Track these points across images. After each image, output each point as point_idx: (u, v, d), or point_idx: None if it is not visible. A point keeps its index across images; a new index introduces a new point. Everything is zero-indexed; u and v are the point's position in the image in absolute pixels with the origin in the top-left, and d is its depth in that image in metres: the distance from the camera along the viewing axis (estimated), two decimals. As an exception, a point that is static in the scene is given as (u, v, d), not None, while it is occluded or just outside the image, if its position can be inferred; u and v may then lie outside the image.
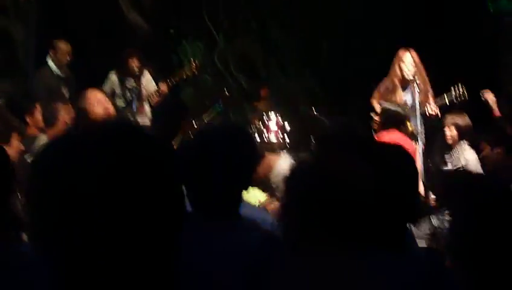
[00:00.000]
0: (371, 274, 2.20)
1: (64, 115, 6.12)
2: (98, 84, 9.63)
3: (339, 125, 4.79)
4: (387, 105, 7.68)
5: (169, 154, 1.34)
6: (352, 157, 2.32)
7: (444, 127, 7.81)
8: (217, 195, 2.66)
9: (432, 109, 7.94)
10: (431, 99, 8.11)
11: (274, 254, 2.48)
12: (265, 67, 12.48)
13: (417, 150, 7.75)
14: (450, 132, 7.56)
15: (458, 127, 7.49)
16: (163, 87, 9.51)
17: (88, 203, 1.20)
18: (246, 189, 2.81)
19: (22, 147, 5.44)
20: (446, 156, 7.48)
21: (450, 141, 7.65)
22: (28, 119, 6.25)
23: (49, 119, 6.14)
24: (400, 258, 2.41)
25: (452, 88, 8.07)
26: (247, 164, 2.81)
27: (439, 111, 8.04)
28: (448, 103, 8.06)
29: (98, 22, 11.73)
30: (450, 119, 7.63)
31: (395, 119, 7.24)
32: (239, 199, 2.77)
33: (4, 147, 4.59)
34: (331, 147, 3.26)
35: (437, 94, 8.20)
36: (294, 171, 2.32)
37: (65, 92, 9.14)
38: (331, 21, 12.24)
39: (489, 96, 7.59)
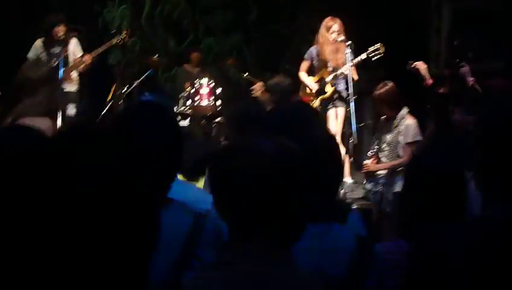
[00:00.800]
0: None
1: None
2: (21, 50, 9.58)
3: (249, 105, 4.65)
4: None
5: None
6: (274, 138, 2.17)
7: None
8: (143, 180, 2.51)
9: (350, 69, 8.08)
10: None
11: (202, 239, 2.54)
12: (193, 29, 12.34)
13: (350, 112, 7.95)
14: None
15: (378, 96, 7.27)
16: (87, 58, 9.37)
17: None
18: (172, 175, 2.68)
19: None
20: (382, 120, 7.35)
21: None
22: None
23: None
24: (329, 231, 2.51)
25: (371, 47, 8.26)
26: (172, 149, 2.68)
27: (356, 70, 8.29)
28: (367, 57, 8.21)
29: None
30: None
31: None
32: (166, 184, 2.62)
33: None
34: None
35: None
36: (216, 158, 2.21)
37: None
38: None
39: (421, 66, 7.52)
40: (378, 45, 8.24)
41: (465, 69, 6.97)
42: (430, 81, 7.23)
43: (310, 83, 8.66)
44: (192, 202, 2.77)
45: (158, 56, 11.38)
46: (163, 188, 2.60)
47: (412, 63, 7.34)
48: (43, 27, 9.54)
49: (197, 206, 2.74)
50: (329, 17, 8.45)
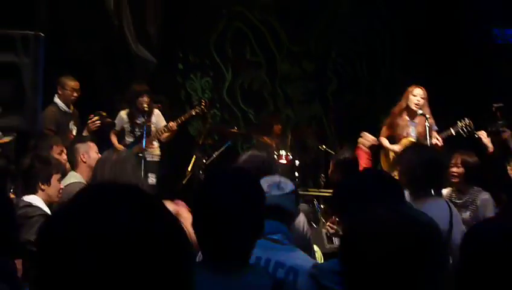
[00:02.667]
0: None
1: (83, 154, 6.35)
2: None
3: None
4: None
5: (176, 228, 1.36)
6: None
7: (451, 164, 7.29)
8: (228, 242, 2.64)
9: (438, 139, 7.99)
10: (434, 133, 8.17)
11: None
12: (273, 99, 12.53)
13: None
14: (457, 169, 7.13)
15: (466, 163, 7.13)
16: (173, 124, 9.56)
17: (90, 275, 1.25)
18: (259, 235, 2.76)
19: (62, 186, 5.45)
20: (453, 195, 7.14)
21: (455, 179, 7.07)
22: None
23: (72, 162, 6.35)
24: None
25: (458, 121, 8.13)
26: (257, 209, 2.75)
27: (444, 143, 8.09)
28: (454, 134, 8.11)
29: (105, 56, 11.74)
30: (458, 155, 7.26)
31: None
32: (250, 245, 2.72)
33: (44, 187, 4.88)
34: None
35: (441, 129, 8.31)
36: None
37: (73, 128, 9.23)
38: (338, 53, 12.48)
39: (482, 134, 7.45)
40: (467, 120, 8.11)
41: (507, 134, 6.85)
42: (491, 150, 7.11)
43: (394, 148, 8.51)
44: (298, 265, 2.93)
45: (238, 127, 11.61)
46: (245, 249, 2.69)
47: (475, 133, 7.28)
48: (128, 97, 9.81)
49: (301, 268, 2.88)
50: (413, 85, 8.38)
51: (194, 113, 10.04)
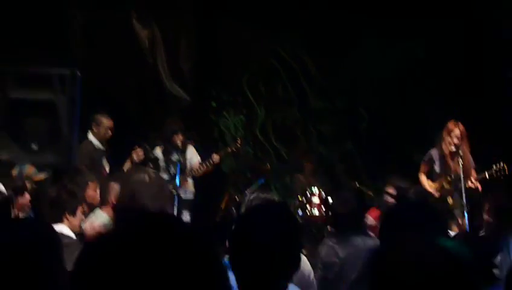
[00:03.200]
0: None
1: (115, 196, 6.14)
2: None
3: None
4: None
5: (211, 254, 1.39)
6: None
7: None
8: (263, 276, 2.66)
9: (473, 182, 7.98)
10: (473, 173, 8.19)
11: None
12: (305, 136, 12.52)
13: (464, 222, 7.81)
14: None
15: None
16: (217, 157, 9.75)
17: None
18: (295, 269, 2.79)
19: (84, 218, 5.54)
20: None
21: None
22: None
23: (103, 199, 6.27)
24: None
25: (493, 165, 8.10)
26: (293, 244, 2.79)
27: (480, 185, 8.08)
28: (488, 177, 8.07)
29: (139, 93, 11.94)
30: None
31: None
32: (286, 277, 2.76)
33: (69, 217, 5.00)
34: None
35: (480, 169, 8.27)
36: None
37: (106, 165, 9.28)
38: (370, 90, 12.40)
39: None
40: (501, 164, 8.09)
41: None
42: None
43: (432, 190, 8.49)
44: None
45: (271, 164, 11.57)
46: (282, 283, 2.72)
47: None
48: (162, 134, 9.91)
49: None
50: (451, 121, 8.38)
51: (229, 151, 10.19)
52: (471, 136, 8.54)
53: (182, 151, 9.67)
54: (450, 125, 8.32)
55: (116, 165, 9.33)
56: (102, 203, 6.28)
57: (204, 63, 12.27)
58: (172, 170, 9.60)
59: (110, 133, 9.33)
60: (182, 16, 12.05)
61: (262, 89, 12.61)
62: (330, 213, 9.95)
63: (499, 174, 8.07)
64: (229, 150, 10.20)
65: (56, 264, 2.68)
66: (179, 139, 9.60)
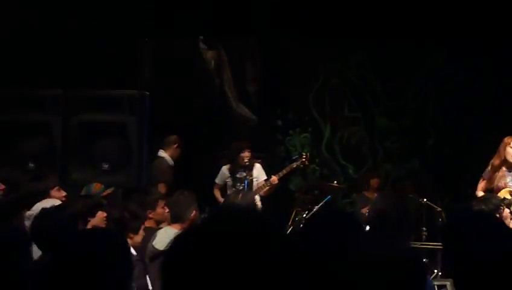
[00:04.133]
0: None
1: (194, 213, 6.33)
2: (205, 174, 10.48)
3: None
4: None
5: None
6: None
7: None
8: None
9: None
10: None
11: None
12: (372, 154, 12.54)
13: None
14: None
15: None
16: (274, 178, 9.78)
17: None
18: None
19: (143, 235, 5.73)
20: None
21: None
22: (149, 214, 6.53)
23: (178, 215, 6.33)
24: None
25: None
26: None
27: None
28: None
29: (206, 114, 12.10)
30: None
31: None
32: None
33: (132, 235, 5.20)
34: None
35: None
36: None
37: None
38: (436, 106, 12.43)
39: None
40: None
41: None
42: None
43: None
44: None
45: (337, 182, 11.55)
46: None
47: None
48: (230, 153, 10.17)
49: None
50: (508, 136, 8.24)
51: (294, 166, 10.28)
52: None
53: (249, 169, 9.88)
54: (508, 139, 8.22)
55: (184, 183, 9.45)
56: (175, 219, 6.36)
57: (269, 83, 12.39)
58: (239, 187, 9.79)
59: (179, 151, 10.05)
60: (247, 36, 12.20)
61: (327, 108, 12.68)
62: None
63: None
64: (295, 165, 10.29)
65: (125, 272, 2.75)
66: (245, 157, 9.81)
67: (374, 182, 11.30)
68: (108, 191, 6.83)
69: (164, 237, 5.95)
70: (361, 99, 12.68)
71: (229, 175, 10.03)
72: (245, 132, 11.92)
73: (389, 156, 12.65)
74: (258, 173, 10.08)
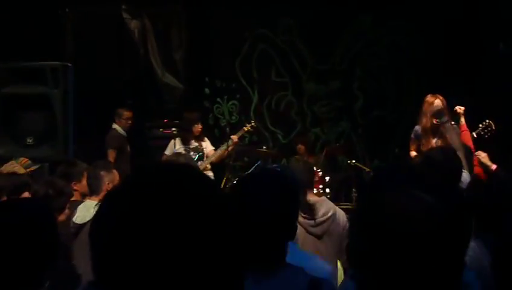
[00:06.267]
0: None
1: (108, 183, 6.14)
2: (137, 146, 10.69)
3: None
4: None
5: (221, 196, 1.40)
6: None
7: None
8: (260, 245, 2.62)
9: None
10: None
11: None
12: (300, 119, 12.64)
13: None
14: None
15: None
16: (234, 137, 10.43)
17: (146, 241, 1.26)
18: (292, 237, 2.76)
19: (69, 212, 5.56)
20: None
21: None
22: (74, 186, 6.33)
23: (94, 187, 6.19)
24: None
25: (480, 124, 8.15)
26: (290, 210, 2.76)
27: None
28: (475, 136, 8.08)
29: (133, 84, 12.07)
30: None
31: None
32: (283, 247, 2.72)
33: (56, 214, 4.83)
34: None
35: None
36: None
37: (128, 149, 10.53)
38: (363, 69, 12.59)
39: (481, 155, 7.59)
40: (487, 122, 8.12)
41: None
42: (493, 167, 7.25)
43: None
44: (310, 270, 2.78)
45: (267, 148, 11.70)
46: (276, 250, 2.69)
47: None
48: (182, 124, 10.64)
49: (314, 273, 2.77)
50: (430, 95, 8.21)
51: (246, 130, 10.74)
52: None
53: (201, 139, 10.40)
54: (428, 98, 8.18)
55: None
56: (93, 191, 6.21)
57: (196, 51, 12.39)
58: (193, 156, 10.05)
59: (130, 123, 10.62)
60: (172, 4, 12.15)
61: (255, 74, 12.76)
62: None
63: (486, 131, 8.12)
64: (245, 129, 10.67)
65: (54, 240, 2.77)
66: (199, 128, 10.37)
67: (301, 147, 11.39)
68: (33, 167, 6.66)
69: (83, 210, 5.75)
70: (289, 64, 12.76)
71: (180, 146, 10.26)
72: (172, 101, 12.08)
73: (318, 120, 12.78)
74: (207, 143, 10.51)
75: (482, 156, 7.44)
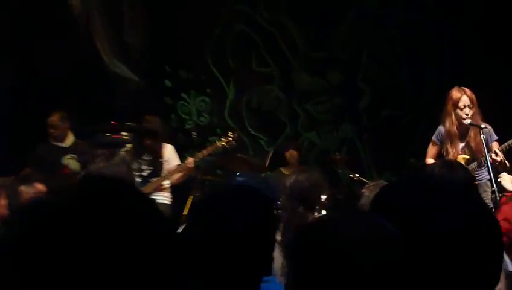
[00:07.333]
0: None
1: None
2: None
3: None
4: None
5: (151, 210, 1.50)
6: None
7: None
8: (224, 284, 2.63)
9: (497, 153, 7.69)
10: (494, 145, 8.00)
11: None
12: (290, 121, 12.39)
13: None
14: None
15: None
16: (190, 161, 9.75)
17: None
18: (267, 272, 2.79)
19: None
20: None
21: None
22: None
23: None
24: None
25: None
26: (262, 239, 2.75)
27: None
28: (503, 149, 7.83)
29: (75, 75, 11.62)
30: None
31: None
32: (254, 285, 2.71)
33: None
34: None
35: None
36: None
37: (69, 163, 9.80)
38: (370, 57, 12.32)
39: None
40: None
41: None
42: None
43: None
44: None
45: (247, 157, 11.27)
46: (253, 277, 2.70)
47: None
48: (135, 131, 10.09)
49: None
50: (455, 88, 8.09)
51: (220, 146, 10.02)
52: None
53: (156, 151, 9.82)
54: (454, 96, 8.03)
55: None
56: None
57: (154, 32, 12.06)
58: (146, 171, 9.74)
59: (52, 131, 9.82)
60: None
61: (230, 62, 12.43)
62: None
63: None
64: (220, 144, 10.00)
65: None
66: (151, 140, 9.81)
67: (291, 155, 11.01)
68: None
69: None
70: (275, 50, 12.42)
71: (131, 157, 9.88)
72: (124, 97, 11.68)
73: (312, 122, 12.47)
74: (170, 155, 9.91)
75: (504, 178, 7.18)
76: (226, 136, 10.07)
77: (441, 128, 8.28)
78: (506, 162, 7.76)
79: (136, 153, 9.79)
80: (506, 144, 7.90)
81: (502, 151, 7.78)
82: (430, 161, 8.36)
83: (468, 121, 7.89)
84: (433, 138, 8.44)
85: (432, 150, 8.45)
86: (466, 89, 8.06)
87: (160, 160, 9.86)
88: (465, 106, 7.96)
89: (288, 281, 2.00)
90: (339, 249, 1.89)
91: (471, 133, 8.06)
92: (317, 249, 1.92)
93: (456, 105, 8.03)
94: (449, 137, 8.14)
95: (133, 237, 1.40)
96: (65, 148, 9.87)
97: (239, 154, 11.17)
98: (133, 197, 1.48)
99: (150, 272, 1.40)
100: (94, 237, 1.37)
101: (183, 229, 2.83)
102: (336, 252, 1.89)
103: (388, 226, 1.97)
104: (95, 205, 1.41)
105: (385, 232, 1.94)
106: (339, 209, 10.46)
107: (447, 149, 8.20)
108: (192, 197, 9.92)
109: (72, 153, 9.88)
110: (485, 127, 7.79)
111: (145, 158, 9.83)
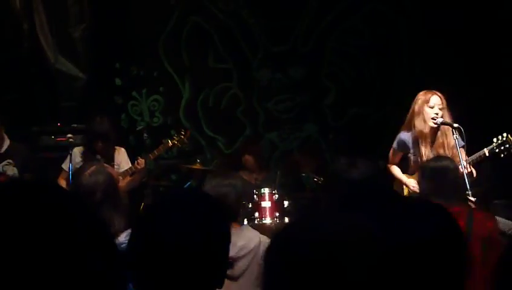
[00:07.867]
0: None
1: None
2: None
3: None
4: None
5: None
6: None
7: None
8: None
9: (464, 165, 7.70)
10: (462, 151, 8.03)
11: None
12: (249, 120, 12.45)
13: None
14: None
15: None
16: (141, 162, 9.75)
17: None
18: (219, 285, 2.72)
19: None
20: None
21: None
22: None
23: None
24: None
25: (495, 138, 7.92)
26: (212, 249, 2.68)
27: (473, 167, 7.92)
28: (487, 155, 7.89)
29: (15, 72, 11.56)
30: None
31: None
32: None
33: None
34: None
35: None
36: None
37: (7, 169, 9.58)
38: (335, 51, 12.32)
39: None
40: (504, 136, 7.85)
41: None
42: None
43: (409, 182, 8.39)
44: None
45: (202, 161, 11.34)
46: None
47: None
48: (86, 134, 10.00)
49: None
50: (425, 91, 8.17)
51: (170, 145, 10.04)
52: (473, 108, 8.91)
53: (108, 155, 9.72)
54: (423, 95, 8.15)
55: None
56: None
57: (102, 26, 11.97)
58: None
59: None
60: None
61: (185, 57, 12.42)
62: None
63: (502, 148, 7.85)
64: (171, 143, 10.02)
65: None
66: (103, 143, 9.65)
67: (249, 159, 10.96)
68: None
69: None
70: (233, 45, 12.46)
71: (80, 161, 9.68)
72: (70, 97, 11.68)
73: (273, 121, 12.56)
74: (122, 158, 9.90)
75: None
76: (178, 134, 10.14)
77: (402, 136, 8.35)
78: (474, 172, 7.84)
79: (86, 157, 9.66)
80: (474, 157, 7.91)
81: (468, 163, 7.79)
82: (393, 167, 8.52)
83: (440, 120, 7.95)
84: (394, 145, 8.53)
85: (393, 157, 8.56)
86: (437, 93, 8.12)
87: (112, 163, 9.77)
88: (435, 105, 8.01)
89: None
90: (316, 252, 1.92)
91: (443, 134, 8.08)
92: (293, 255, 1.94)
93: (426, 103, 8.07)
94: (421, 137, 8.15)
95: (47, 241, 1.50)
96: (0, 154, 9.73)
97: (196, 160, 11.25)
98: (58, 202, 1.59)
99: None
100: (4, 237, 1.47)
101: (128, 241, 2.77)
102: (313, 255, 1.91)
103: (368, 225, 2.00)
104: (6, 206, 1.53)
105: (362, 232, 1.97)
106: (302, 215, 10.63)
107: (419, 151, 8.20)
108: (144, 205, 9.95)
109: (8, 159, 9.68)
110: (458, 127, 7.80)
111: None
